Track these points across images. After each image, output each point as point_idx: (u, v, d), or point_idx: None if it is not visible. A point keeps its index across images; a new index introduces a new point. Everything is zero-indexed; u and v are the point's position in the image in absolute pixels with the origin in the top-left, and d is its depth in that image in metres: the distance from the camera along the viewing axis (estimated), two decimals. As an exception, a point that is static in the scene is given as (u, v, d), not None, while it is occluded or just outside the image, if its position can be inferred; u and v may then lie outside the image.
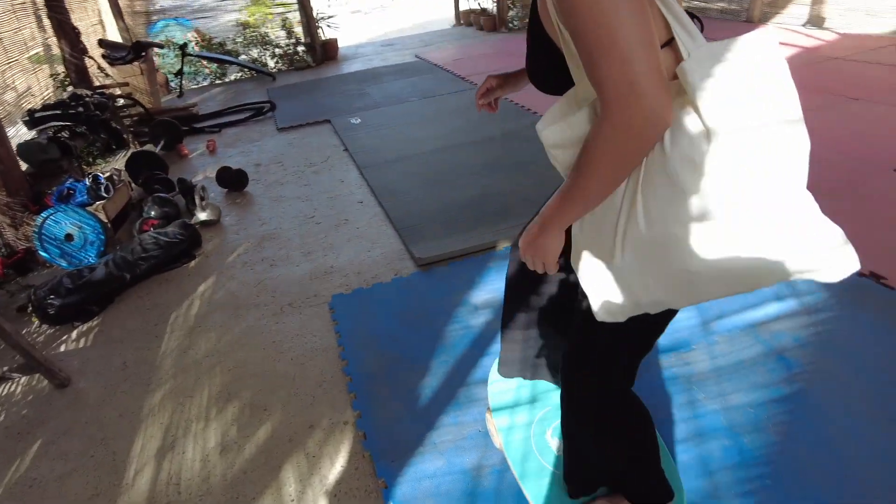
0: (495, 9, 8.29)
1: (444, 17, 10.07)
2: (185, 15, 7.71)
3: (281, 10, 7.67)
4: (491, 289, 2.41)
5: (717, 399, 1.75)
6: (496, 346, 2.07)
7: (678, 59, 0.84)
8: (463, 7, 9.20)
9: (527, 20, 6.85)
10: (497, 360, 1.75)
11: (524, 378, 1.68)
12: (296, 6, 7.36)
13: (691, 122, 0.81)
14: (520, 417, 1.63)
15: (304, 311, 2.43)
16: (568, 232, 1.00)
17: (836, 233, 0.85)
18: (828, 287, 2.16)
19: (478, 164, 3.67)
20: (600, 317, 0.99)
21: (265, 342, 2.26)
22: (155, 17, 7.62)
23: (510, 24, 8.26)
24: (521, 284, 1.45)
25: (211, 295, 2.60)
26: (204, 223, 3.19)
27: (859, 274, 2.24)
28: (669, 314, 1.05)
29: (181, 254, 2.88)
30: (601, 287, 0.97)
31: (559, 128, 0.92)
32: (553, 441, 1.56)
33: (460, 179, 3.47)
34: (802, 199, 0.84)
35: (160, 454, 1.81)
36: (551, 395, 1.68)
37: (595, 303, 0.98)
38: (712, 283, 0.88)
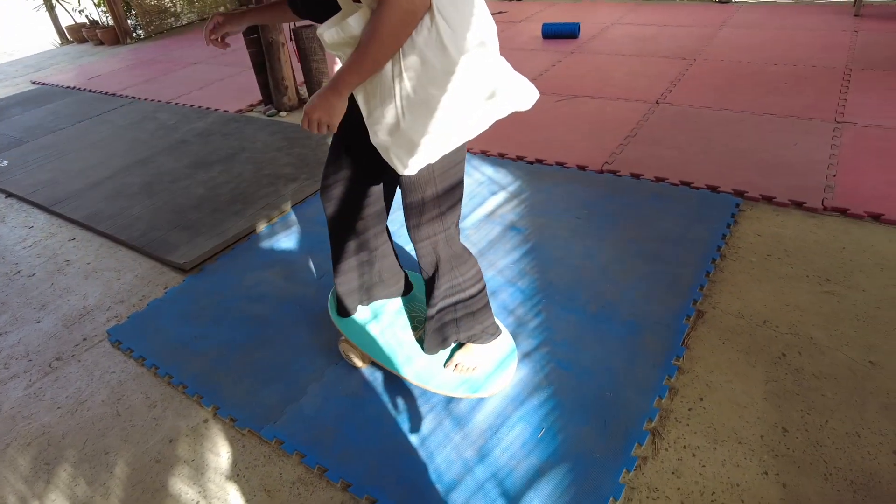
0: (110, 20, 7.53)
1: (34, 36, 8.64)
2: None
3: None
4: (272, 261, 2.53)
5: (490, 268, 2.30)
6: (311, 295, 2.25)
7: None
8: (66, 22, 8.07)
9: (152, 27, 6.54)
10: (332, 300, 1.96)
11: (362, 304, 1.94)
12: None
13: (428, 14, 1.17)
14: (372, 331, 1.89)
15: (81, 357, 2.17)
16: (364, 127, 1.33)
17: (523, 78, 1.37)
18: (518, 177, 2.94)
19: (185, 165, 3.56)
20: (406, 172, 1.33)
21: (56, 402, 1.98)
22: None
23: (135, 34, 7.63)
24: (344, 216, 1.69)
25: (-61, 389, 2.08)
26: None
27: (527, 161, 3.09)
28: (458, 166, 1.45)
29: None
30: (397, 148, 1.31)
31: (335, 31, 1.21)
32: (402, 334, 1.88)
33: (176, 183, 3.34)
34: (502, 60, 1.32)
35: (0, 553, 1.52)
36: (387, 304, 1.98)
37: (397, 162, 1.32)
38: (462, 123, 1.30)
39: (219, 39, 1.63)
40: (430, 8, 1.15)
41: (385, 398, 1.79)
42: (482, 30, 1.25)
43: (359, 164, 1.59)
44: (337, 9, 1.22)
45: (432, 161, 1.34)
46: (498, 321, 1.92)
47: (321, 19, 1.27)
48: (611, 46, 4.82)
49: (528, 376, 1.80)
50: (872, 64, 3.83)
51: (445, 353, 1.82)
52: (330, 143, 1.62)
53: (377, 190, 1.68)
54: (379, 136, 1.31)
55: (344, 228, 1.72)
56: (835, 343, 1.80)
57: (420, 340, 1.84)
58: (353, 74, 1.22)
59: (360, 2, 1.17)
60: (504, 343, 1.84)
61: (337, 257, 1.79)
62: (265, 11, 1.62)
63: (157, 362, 2.07)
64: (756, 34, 4.74)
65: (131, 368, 2.08)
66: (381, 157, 1.38)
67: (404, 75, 1.22)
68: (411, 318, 1.93)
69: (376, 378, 1.86)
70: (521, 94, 1.37)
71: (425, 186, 1.45)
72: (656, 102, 3.61)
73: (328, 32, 1.22)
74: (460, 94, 1.25)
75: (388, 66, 1.22)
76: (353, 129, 1.40)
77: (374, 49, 1.16)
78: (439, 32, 1.17)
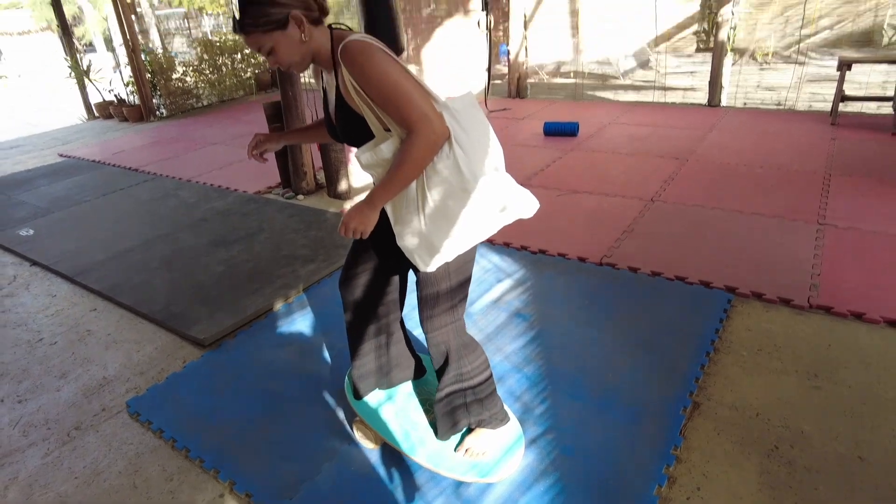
0: (136, 99, 8.00)
1: (62, 111, 9.12)
2: None
3: None
4: (289, 340, 2.65)
5: (498, 353, 2.43)
6: (326, 374, 2.36)
7: None
8: (95, 100, 8.55)
9: (174, 107, 7.05)
10: (349, 383, 2.07)
11: (380, 388, 2.05)
12: None
13: (447, 143, 1.44)
14: (386, 413, 1.99)
15: (99, 427, 2.24)
16: (390, 229, 1.56)
17: (526, 191, 1.62)
18: (522, 266, 3.12)
19: (205, 243, 3.74)
20: (425, 269, 1.55)
21: (73, 471, 2.04)
22: None
23: (158, 113, 8.08)
24: (366, 301, 1.85)
25: (-41, 455, 2.14)
26: None
27: (531, 251, 3.28)
28: (468, 264, 1.65)
29: None
30: (420, 249, 1.54)
31: (370, 154, 1.47)
32: (415, 416, 1.98)
33: (196, 260, 3.50)
34: (506, 176, 1.58)
35: None
36: (401, 386, 2.09)
37: (420, 261, 1.55)
38: (475, 229, 1.54)
39: (259, 155, 1.85)
40: (449, 138, 1.42)
41: (397, 480, 1.86)
42: (493, 155, 1.52)
43: (381, 258, 1.78)
44: (370, 136, 1.48)
45: (449, 259, 1.56)
46: (506, 407, 2.02)
47: (357, 144, 1.52)
48: (608, 145, 5.16)
49: (535, 462, 1.88)
50: (850, 170, 4.13)
51: (456, 437, 1.91)
52: None
53: (396, 279, 1.86)
54: (404, 239, 1.54)
55: (364, 313, 1.87)
56: (824, 437, 1.90)
57: (432, 423, 1.94)
58: (387, 192, 1.46)
59: (389, 131, 1.44)
60: (512, 429, 1.94)
61: (355, 341, 1.92)
62: (303, 133, 1.87)
63: (176, 435, 2.14)
64: (743, 137, 5.11)
65: (149, 440, 2.15)
66: (401, 253, 1.59)
67: (426, 191, 1.47)
68: (423, 402, 2.03)
69: (389, 459, 1.94)
70: (525, 205, 1.62)
71: (441, 281, 1.63)
72: (651, 200, 3.86)
73: (364, 156, 1.48)
74: (474, 207, 1.49)
75: (413, 182, 1.47)
76: (380, 229, 1.60)
77: (404, 171, 1.41)
78: (456, 157, 1.44)
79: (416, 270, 1.64)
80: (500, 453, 1.86)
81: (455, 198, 1.47)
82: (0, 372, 2.64)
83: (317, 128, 1.83)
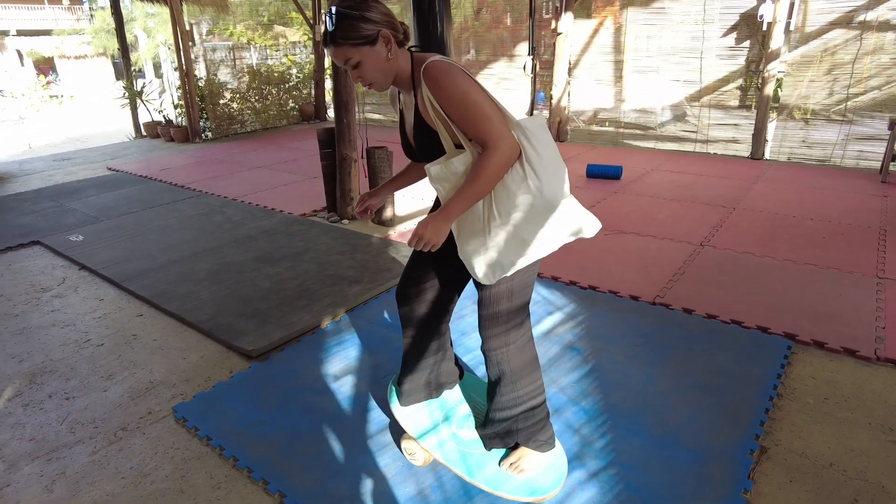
0: (184, 121, 8.25)
1: (110, 130, 9.44)
2: None
3: None
4: (337, 357, 2.62)
5: (552, 385, 2.36)
6: (374, 393, 2.31)
7: None
8: (143, 120, 8.85)
9: (219, 131, 7.34)
10: (395, 395, 2.03)
11: (429, 399, 2.01)
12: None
13: (518, 160, 1.49)
14: (442, 435, 1.93)
15: (146, 430, 2.21)
16: (452, 243, 1.60)
17: (588, 212, 1.63)
18: (573, 300, 3.08)
19: (251, 259, 3.77)
20: (485, 280, 1.57)
21: (119, 471, 2.00)
22: None
23: (204, 135, 8.31)
24: (429, 318, 1.85)
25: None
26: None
27: (581, 287, 3.23)
28: (528, 288, 1.66)
29: (-74, 415, 2.23)
30: (481, 261, 1.56)
31: (441, 167, 1.52)
32: (463, 432, 1.93)
33: (243, 275, 3.52)
34: (571, 197, 1.60)
35: None
36: (458, 407, 2.04)
37: (480, 272, 1.56)
38: (537, 244, 1.55)
39: (366, 210, 1.86)
40: (520, 155, 1.48)
41: (453, 499, 1.79)
42: (560, 175, 1.56)
43: (443, 272, 1.79)
44: (443, 152, 1.54)
45: (508, 273, 1.57)
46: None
47: (433, 159, 1.57)
48: (652, 190, 5.15)
49: (598, 496, 1.80)
50: (905, 228, 4.04)
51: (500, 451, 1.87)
52: (412, 251, 1.81)
53: (456, 297, 1.86)
54: (465, 249, 1.57)
55: (427, 330, 1.87)
56: (907, 495, 1.79)
57: (482, 437, 1.90)
58: (461, 204, 1.48)
59: (462, 148, 1.50)
60: (556, 452, 1.89)
61: (415, 356, 1.91)
62: (399, 179, 1.89)
63: (223, 443, 2.10)
64: (789, 190, 5.06)
65: (195, 447, 2.11)
66: (463, 268, 1.61)
67: (493, 205, 1.51)
68: (476, 420, 1.99)
69: (440, 479, 1.88)
70: (588, 225, 1.63)
71: (501, 302, 1.64)
72: (701, 244, 3.81)
73: (434, 168, 1.53)
74: (538, 222, 1.53)
75: None
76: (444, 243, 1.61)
77: (479, 185, 1.45)
78: (525, 174, 1.49)
79: (479, 289, 1.66)
80: (548, 475, 1.79)
81: (521, 212, 1.51)
82: (49, 368, 2.65)
83: (408, 170, 1.86)
